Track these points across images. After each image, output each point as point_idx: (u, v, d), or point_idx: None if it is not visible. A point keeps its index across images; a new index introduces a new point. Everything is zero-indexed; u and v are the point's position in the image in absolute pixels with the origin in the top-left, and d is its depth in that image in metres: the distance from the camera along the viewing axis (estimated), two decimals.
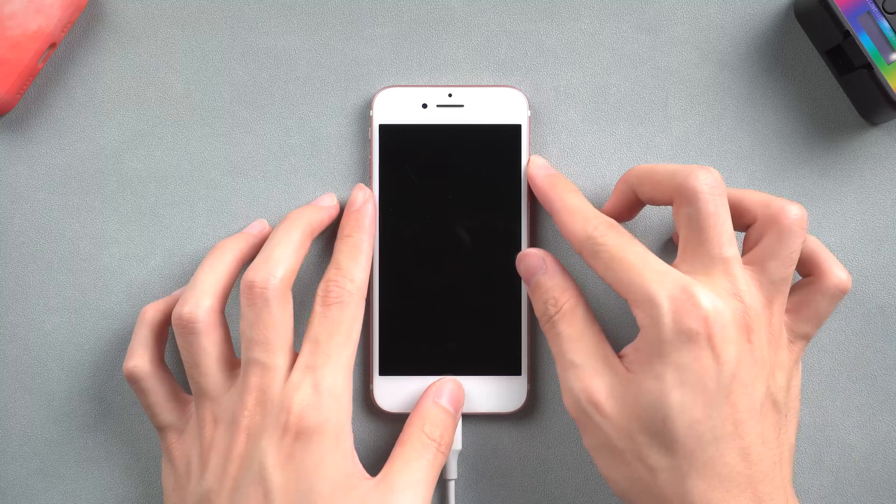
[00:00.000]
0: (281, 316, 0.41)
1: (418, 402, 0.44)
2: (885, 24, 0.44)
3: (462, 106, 0.46)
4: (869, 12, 0.44)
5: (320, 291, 0.42)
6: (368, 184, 0.46)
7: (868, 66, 0.45)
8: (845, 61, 0.46)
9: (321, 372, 0.40)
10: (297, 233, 0.43)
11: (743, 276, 0.39)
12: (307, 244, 0.44)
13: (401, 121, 0.46)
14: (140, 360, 0.44)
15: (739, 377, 0.38)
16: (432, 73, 0.48)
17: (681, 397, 0.37)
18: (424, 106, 0.46)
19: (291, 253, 0.42)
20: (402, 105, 0.46)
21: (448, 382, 0.44)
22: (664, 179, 0.41)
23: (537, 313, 0.43)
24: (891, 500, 0.47)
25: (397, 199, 0.46)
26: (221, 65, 0.48)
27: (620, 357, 0.40)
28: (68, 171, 0.47)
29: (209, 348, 0.42)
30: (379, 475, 0.41)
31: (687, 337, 0.37)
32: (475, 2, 0.48)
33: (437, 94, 0.46)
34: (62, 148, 0.47)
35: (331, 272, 0.43)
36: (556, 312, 0.41)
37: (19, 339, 0.47)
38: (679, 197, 0.40)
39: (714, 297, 0.38)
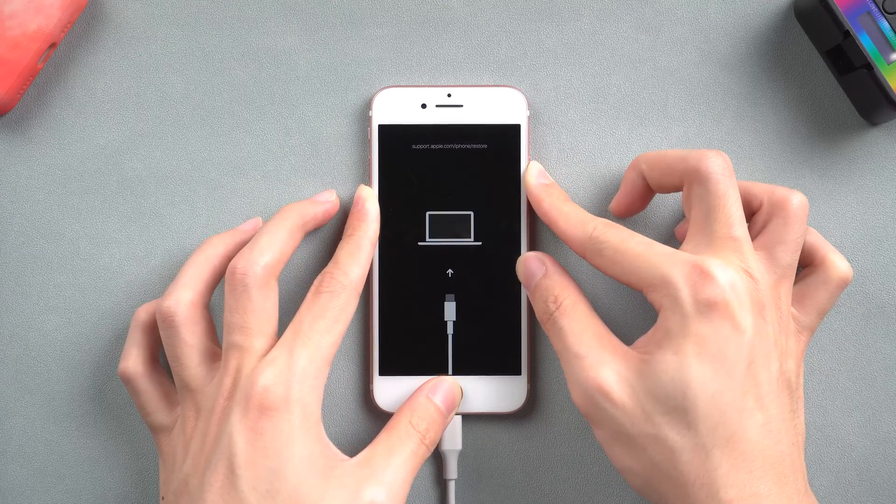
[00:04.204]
0: (261, 303, 0.41)
1: (413, 394, 0.44)
2: (885, 24, 0.44)
3: (461, 106, 0.46)
4: (869, 12, 0.44)
5: (314, 282, 0.42)
6: (368, 184, 0.46)
7: (868, 66, 0.45)
8: (845, 61, 0.46)
9: (297, 353, 0.40)
10: (287, 224, 0.43)
11: (753, 256, 0.39)
12: (297, 236, 0.44)
13: (400, 121, 0.46)
14: (132, 360, 0.44)
15: (757, 348, 0.38)
16: (432, 73, 0.48)
17: (701, 368, 0.37)
18: (424, 106, 0.46)
19: (278, 243, 0.42)
20: (401, 105, 0.46)
21: (445, 381, 0.44)
22: (674, 163, 0.42)
23: (538, 314, 0.43)
24: (891, 500, 0.47)
25: (397, 198, 0.46)
26: (221, 65, 0.48)
27: (633, 348, 0.40)
28: (68, 171, 0.47)
29: (189, 341, 0.42)
30: (359, 455, 0.41)
31: (706, 307, 0.38)
32: (475, 2, 0.48)
33: (436, 94, 0.46)
34: (62, 148, 0.47)
35: (328, 266, 0.43)
36: (556, 308, 0.41)
37: (19, 339, 0.47)
38: (690, 179, 0.41)
39: (728, 270, 0.38)
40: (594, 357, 0.40)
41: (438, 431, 0.43)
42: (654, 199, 0.47)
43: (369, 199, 0.45)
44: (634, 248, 0.40)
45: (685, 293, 0.38)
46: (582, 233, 0.42)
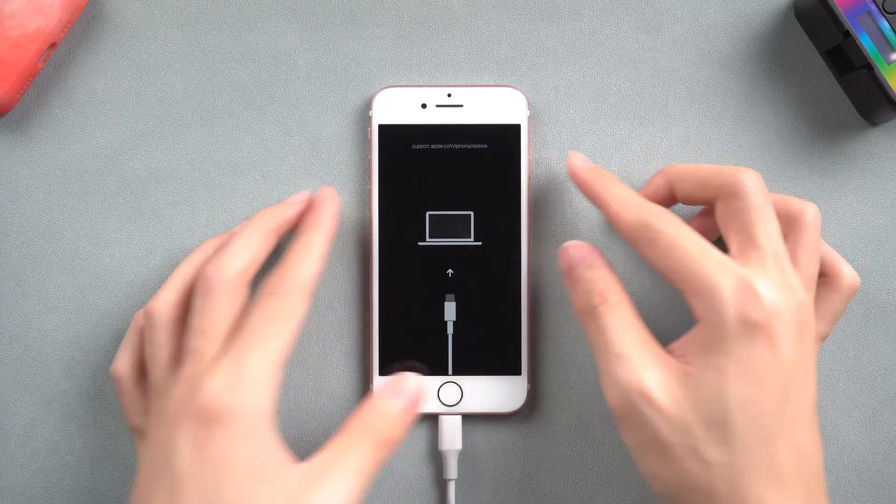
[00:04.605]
0: (226, 307, 0.40)
1: (373, 394, 0.42)
2: (885, 24, 0.44)
3: (461, 106, 0.46)
4: (869, 12, 0.44)
5: (264, 285, 0.41)
6: (368, 183, 0.47)
7: (868, 66, 0.45)
8: (845, 61, 0.46)
9: (245, 359, 0.39)
10: (259, 228, 0.43)
11: (792, 270, 0.39)
12: (270, 240, 0.43)
13: (400, 121, 0.46)
14: (121, 362, 0.44)
15: (795, 374, 0.38)
16: (432, 73, 0.48)
17: (741, 391, 0.37)
18: (424, 106, 0.46)
19: (250, 248, 0.42)
20: (401, 105, 0.46)
21: (406, 379, 0.41)
22: (709, 178, 0.41)
23: (577, 305, 0.41)
24: (891, 500, 0.47)
25: (397, 198, 0.46)
26: (221, 65, 0.48)
27: (670, 352, 0.40)
28: (68, 171, 0.47)
29: (163, 342, 0.42)
30: (309, 462, 0.39)
31: (749, 330, 0.37)
32: (475, 2, 0.48)
33: (436, 94, 0.46)
34: (62, 148, 0.47)
35: (277, 267, 0.42)
36: (602, 303, 0.40)
37: (19, 339, 0.47)
38: (726, 193, 0.40)
39: (774, 291, 0.38)
40: (637, 359, 0.39)
41: (398, 431, 0.40)
42: None
43: (328, 198, 0.44)
44: (688, 245, 0.39)
45: (729, 310, 0.38)
46: (636, 218, 0.40)
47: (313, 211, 0.43)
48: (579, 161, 0.44)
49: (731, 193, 0.40)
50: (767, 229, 0.39)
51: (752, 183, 0.40)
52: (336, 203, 0.44)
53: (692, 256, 0.39)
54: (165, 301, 0.42)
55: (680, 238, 0.39)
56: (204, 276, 0.41)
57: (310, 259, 0.41)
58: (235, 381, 0.38)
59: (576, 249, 0.42)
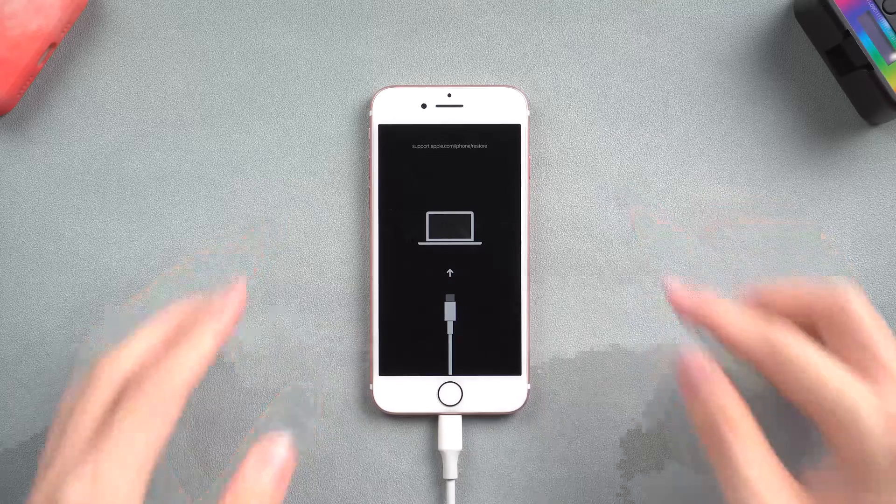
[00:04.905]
0: (100, 402, 0.37)
1: (240, 465, 0.38)
2: (885, 24, 0.44)
3: (461, 106, 0.46)
4: (869, 12, 0.44)
5: (138, 377, 0.38)
6: (368, 183, 0.47)
7: (868, 66, 0.45)
8: (845, 61, 0.46)
9: (104, 462, 0.35)
10: (161, 325, 0.40)
11: None
12: (167, 337, 0.40)
13: (400, 121, 0.46)
14: None
15: None
16: (432, 73, 0.48)
17: None
18: (424, 106, 0.46)
19: (142, 342, 0.39)
20: (401, 105, 0.46)
21: (274, 444, 0.38)
22: (808, 296, 0.39)
23: (700, 423, 0.38)
24: None
25: (397, 198, 0.46)
26: (221, 65, 0.48)
27: (810, 491, 0.36)
28: (68, 171, 0.47)
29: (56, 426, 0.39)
30: None
31: None
32: (475, 2, 0.48)
33: (436, 94, 0.46)
34: (62, 148, 0.47)
35: (158, 361, 0.38)
36: (730, 429, 0.37)
37: (19, 339, 0.47)
38: (830, 311, 0.38)
39: None
40: (774, 498, 0.35)
41: (273, 500, 0.37)
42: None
43: (231, 293, 0.40)
44: (822, 370, 0.36)
45: (880, 447, 0.34)
46: (760, 339, 0.37)
47: (212, 306, 0.40)
48: (681, 290, 0.40)
49: (840, 310, 0.37)
50: (890, 349, 0.37)
51: (859, 299, 0.37)
52: (237, 301, 0.40)
53: (829, 383, 0.36)
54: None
55: (811, 361, 0.36)
56: (92, 367, 0.38)
57: (190, 359, 0.38)
58: (94, 488, 0.35)
59: (695, 362, 0.38)
